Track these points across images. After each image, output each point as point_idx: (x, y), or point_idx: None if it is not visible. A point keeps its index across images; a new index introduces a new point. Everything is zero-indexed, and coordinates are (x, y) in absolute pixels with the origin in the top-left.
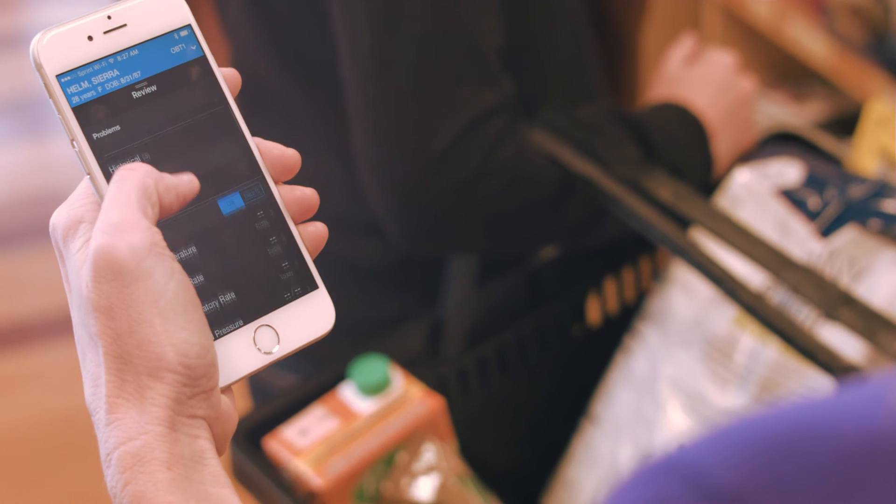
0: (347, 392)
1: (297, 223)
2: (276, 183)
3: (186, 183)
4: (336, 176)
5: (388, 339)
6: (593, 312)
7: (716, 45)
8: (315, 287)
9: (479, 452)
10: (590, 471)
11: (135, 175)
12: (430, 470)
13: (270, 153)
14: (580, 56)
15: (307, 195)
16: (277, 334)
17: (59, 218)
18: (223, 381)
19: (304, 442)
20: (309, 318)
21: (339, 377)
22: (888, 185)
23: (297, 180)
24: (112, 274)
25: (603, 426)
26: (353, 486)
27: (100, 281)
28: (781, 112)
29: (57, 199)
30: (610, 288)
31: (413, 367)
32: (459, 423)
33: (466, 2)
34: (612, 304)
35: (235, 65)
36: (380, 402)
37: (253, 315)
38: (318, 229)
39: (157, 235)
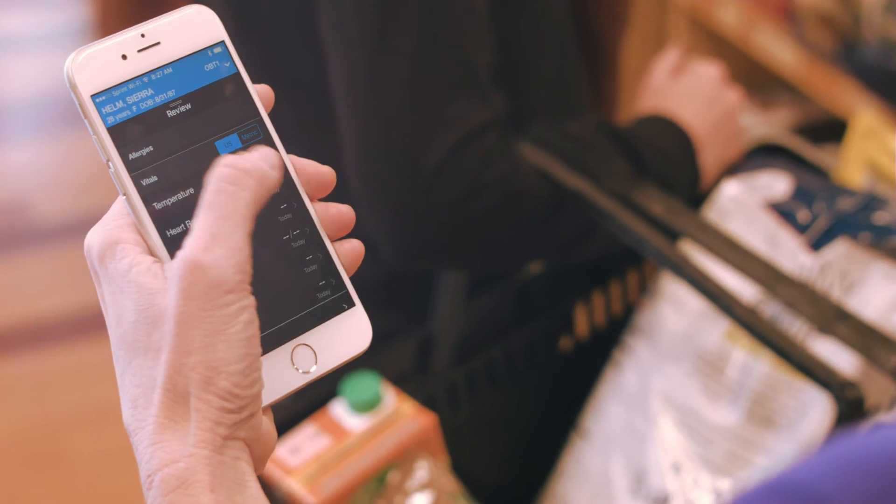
0: (339, 409)
1: (332, 240)
2: (311, 200)
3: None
4: None
5: (378, 355)
6: (581, 326)
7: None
8: (352, 304)
9: (468, 467)
10: (580, 486)
11: (251, 185)
12: (422, 487)
13: (306, 170)
14: (568, 70)
15: (343, 212)
16: (315, 353)
17: (94, 238)
18: (262, 402)
19: (296, 460)
20: (346, 336)
21: (330, 394)
22: (877, 198)
23: None
24: (202, 291)
25: (593, 441)
26: None
27: (189, 295)
28: (752, 120)
29: (25, 208)
30: (598, 301)
31: (403, 383)
32: (449, 439)
33: (458, 18)
34: (600, 317)
35: None
36: (371, 419)
37: (291, 334)
38: (355, 246)
39: (248, 265)
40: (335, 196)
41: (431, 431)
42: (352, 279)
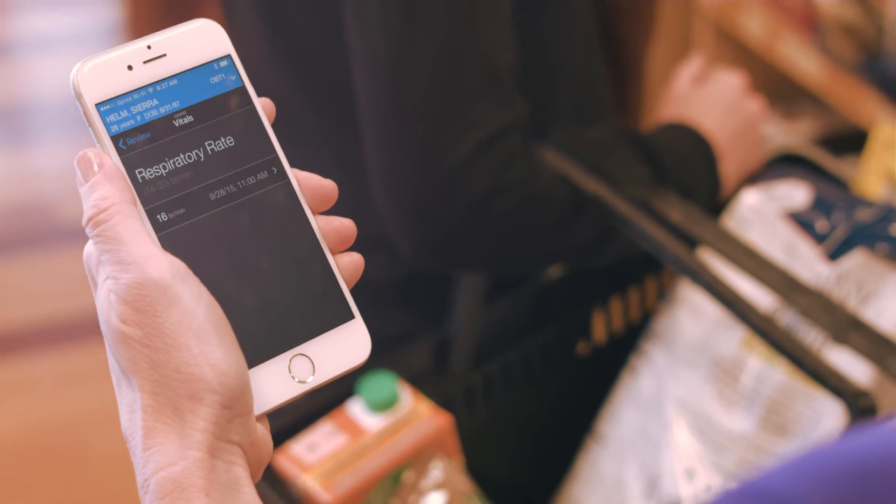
0: (355, 408)
1: (334, 253)
2: (313, 213)
3: None
4: (343, 190)
5: (396, 356)
6: (599, 331)
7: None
8: (351, 317)
9: (484, 469)
10: (593, 490)
11: (124, 211)
12: (437, 487)
13: (308, 184)
14: (592, 75)
15: (345, 226)
16: (313, 363)
17: (91, 247)
18: (258, 409)
19: (313, 458)
20: (345, 347)
21: (347, 393)
22: (895, 209)
23: None
24: (143, 304)
25: (608, 446)
26: (360, 502)
27: (132, 312)
28: (774, 130)
29: (42, 209)
30: (616, 307)
31: (420, 383)
32: (465, 440)
33: (483, 19)
34: (618, 322)
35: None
36: (388, 418)
37: (289, 344)
38: (355, 260)
39: (178, 262)
40: (358, 194)
41: (447, 432)
42: (371, 279)
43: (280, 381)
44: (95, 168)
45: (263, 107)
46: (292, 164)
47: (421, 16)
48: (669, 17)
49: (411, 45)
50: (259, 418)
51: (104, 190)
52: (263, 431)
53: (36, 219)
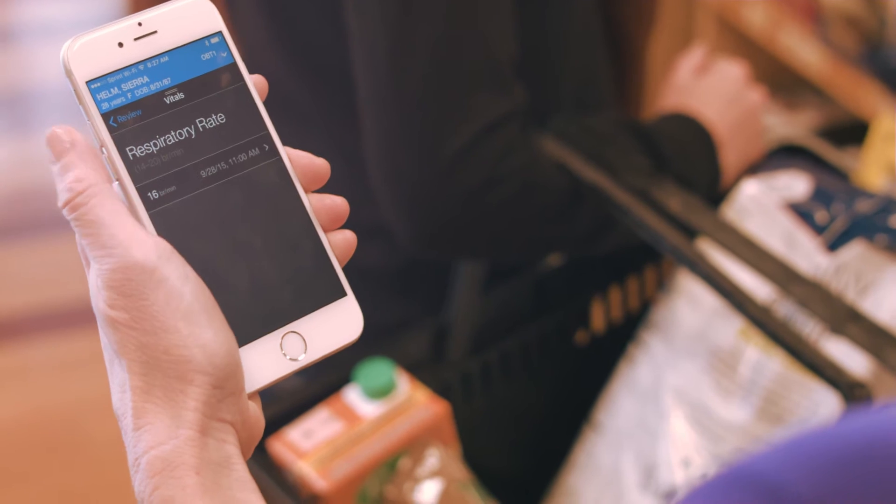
0: (352, 395)
1: (327, 231)
2: (305, 191)
3: None
4: (343, 177)
5: (394, 343)
6: (597, 320)
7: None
8: (344, 294)
9: (481, 457)
10: (591, 479)
11: (102, 192)
12: (433, 475)
13: (299, 162)
14: (592, 64)
15: (337, 204)
16: (305, 341)
17: None
18: (249, 387)
19: (309, 444)
20: (337, 325)
21: (343, 380)
22: (895, 201)
23: None
24: (129, 288)
25: (605, 434)
26: (356, 489)
27: (118, 297)
28: (775, 120)
29: (44, 195)
30: (614, 296)
31: (417, 371)
32: (462, 428)
33: (482, 8)
34: (617, 312)
35: (247, 65)
36: (384, 405)
37: (280, 321)
38: (347, 237)
39: (163, 243)
40: (357, 182)
41: (444, 419)
42: (370, 267)
43: (272, 358)
44: (67, 146)
45: (256, 84)
46: None
47: (419, 4)
48: (671, 7)
49: (410, 33)
50: (251, 396)
51: (79, 170)
52: (255, 409)
53: (36, 205)
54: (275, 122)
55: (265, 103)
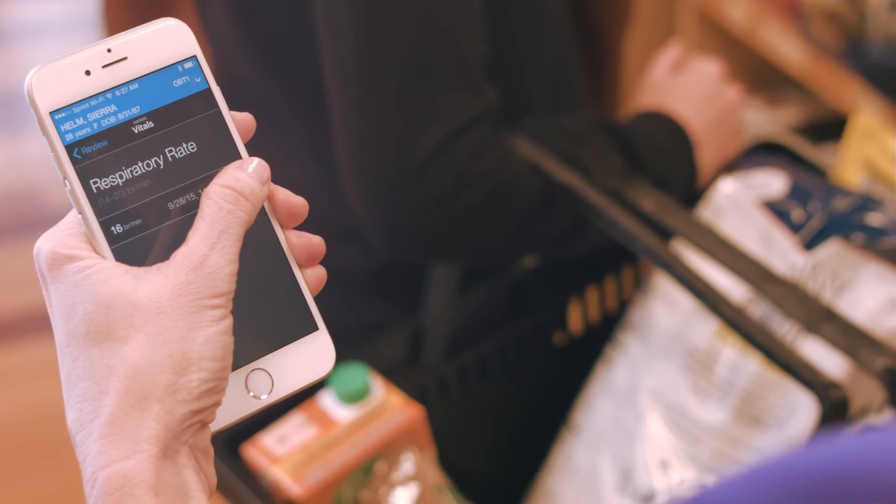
0: (327, 400)
1: (302, 268)
2: (283, 227)
3: None
4: (317, 181)
5: (369, 347)
6: (575, 321)
7: (692, 50)
8: (315, 328)
9: (458, 461)
10: (569, 481)
11: (247, 208)
12: (408, 480)
13: (276, 197)
14: (564, 64)
15: (314, 243)
16: (272, 378)
17: (44, 243)
18: (212, 426)
19: (283, 450)
20: (308, 360)
21: (318, 384)
22: (872, 199)
23: (279, 184)
24: (194, 291)
25: (583, 436)
26: (331, 494)
27: (179, 293)
28: (756, 117)
29: (36, 195)
30: (592, 296)
31: (393, 374)
32: (439, 432)
33: (451, 11)
34: (594, 312)
35: (218, 69)
36: (359, 410)
37: (247, 358)
38: (319, 273)
39: (235, 280)
40: (332, 185)
41: (419, 424)
42: (345, 270)
43: (236, 396)
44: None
45: (243, 122)
46: (267, 156)
47: (387, 8)
48: (651, 4)
49: (379, 36)
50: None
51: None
52: (212, 454)
53: (27, 206)
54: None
55: (231, 102)
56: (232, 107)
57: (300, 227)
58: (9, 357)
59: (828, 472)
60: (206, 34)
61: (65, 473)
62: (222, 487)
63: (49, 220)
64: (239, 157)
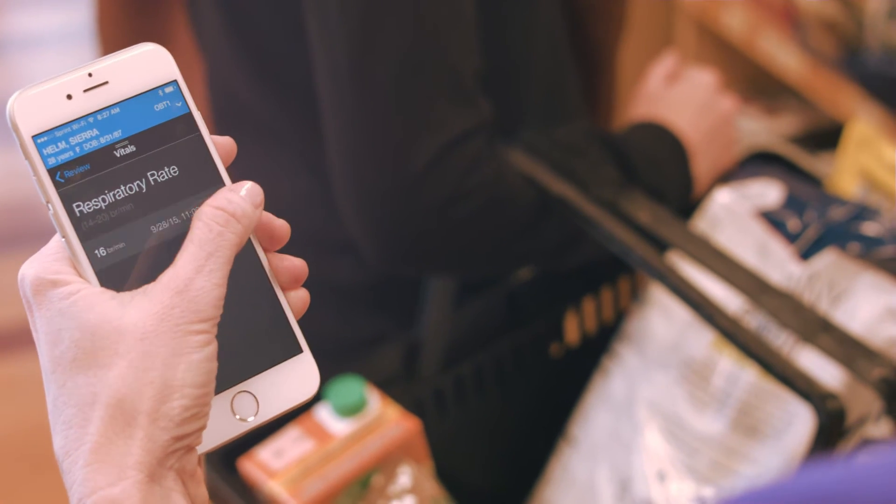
0: (323, 413)
1: (285, 291)
2: (265, 251)
3: None
4: (312, 194)
5: (365, 360)
6: (571, 332)
7: (689, 59)
8: (300, 351)
9: (455, 473)
10: (566, 493)
11: (237, 230)
12: (405, 492)
13: (259, 220)
14: (559, 75)
15: (296, 266)
16: (257, 400)
17: (29, 269)
18: (199, 448)
19: (280, 463)
20: (292, 382)
21: (314, 398)
22: (868, 208)
23: (274, 197)
24: (178, 315)
25: (580, 448)
26: None
27: (163, 318)
28: (754, 126)
29: (34, 207)
30: (588, 308)
31: (389, 387)
32: (436, 444)
33: (445, 23)
34: (591, 323)
35: (211, 81)
36: (356, 423)
37: (232, 381)
38: (302, 296)
39: (222, 305)
40: (326, 198)
41: (415, 436)
42: (340, 283)
43: (222, 419)
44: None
45: (224, 146)
46: (262, 169)
47: (381, 20)
48: (649, 14)
49: (372, 49)
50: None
51: None
52: (199, 472)
53: (28, 217)
54: (241, 140)
55: (225, 115)
56: (226, 121)
57: (292, 243)
58: (7, 369)
59: (825, 497)
60: (199, 48)
61: (63, 485)
62: (218, 502)
63: (47, 232)
64: (220, 179)
